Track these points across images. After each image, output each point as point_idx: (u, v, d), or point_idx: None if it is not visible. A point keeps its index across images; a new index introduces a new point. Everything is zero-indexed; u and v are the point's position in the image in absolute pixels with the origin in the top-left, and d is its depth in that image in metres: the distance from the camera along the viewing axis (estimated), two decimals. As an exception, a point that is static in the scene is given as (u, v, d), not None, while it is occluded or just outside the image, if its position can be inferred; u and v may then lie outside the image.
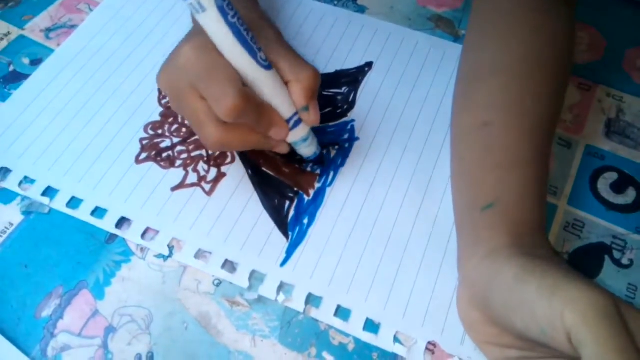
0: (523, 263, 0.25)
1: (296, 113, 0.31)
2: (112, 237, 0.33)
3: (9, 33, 0.42)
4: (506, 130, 0.31)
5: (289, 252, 0.33)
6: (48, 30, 0.42)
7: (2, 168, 0.35)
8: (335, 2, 0.46)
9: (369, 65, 0.42)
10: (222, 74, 0.27)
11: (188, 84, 0.28)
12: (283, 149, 0.32)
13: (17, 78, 0.39)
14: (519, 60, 0.33)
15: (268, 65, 0.28)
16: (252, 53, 0.27)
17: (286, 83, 0.30)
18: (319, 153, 0.35)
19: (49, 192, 0.35)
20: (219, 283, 0.32)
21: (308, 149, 0.34)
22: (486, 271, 0.27)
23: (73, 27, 0.42)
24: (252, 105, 0.27)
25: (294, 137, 0.32)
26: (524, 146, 0.31)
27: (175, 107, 0.30)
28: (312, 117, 0.31)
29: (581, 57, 0.43)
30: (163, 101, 0.39)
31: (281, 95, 0.30)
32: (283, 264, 0.32)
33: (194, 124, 0.29)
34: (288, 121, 0.31)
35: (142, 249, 0.33)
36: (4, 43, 0.41)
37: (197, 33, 0.29)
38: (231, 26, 0.26)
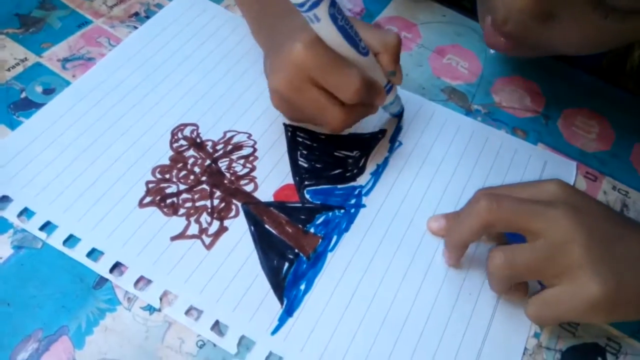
0: None
1: (388, 82, 0.37)
2: (101, 283, 0.32)
3: (25, 59, 0.41)
4: None
5: (282, 320, 0.32)
6: (65, 60, 0.42)
7: (3, 196, 0.34)
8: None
9: (382, 132, 0.42)
10: (341, 65, 0.32)
11: (306, 77, 0.33)
12: (374, 112, 0.38)
13: (27, 106, 0.39)
14: None
15: (367, 52, 0.34)
16: (356, 46, 0.33)
17: (376, 54, 0.35)
18: (402, 109, 0.42)
19: (47, 227, 0.34)
20: (202, 345, 0.31)
21: (396, 108, 0.41)
22: None
23: (90, 59, 0.42)
24: (367, 85, 0.34)
25: (386, 100, 0.38)
26: None
27: (293, 101, 0.34)
28: (399, 78, 0.38)
29: (590, 145, 0.44)
30: (174, 145, 0.38)
31: (377, 70, 0.36)
32: (274, 332, 0.31)
33: (315, 110, 0.34)
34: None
35: (129, 299, 0.32)
36: (20, 69, 0.41)
37: (296, 31, 0.33)
38: (340, 29, 0.31)
